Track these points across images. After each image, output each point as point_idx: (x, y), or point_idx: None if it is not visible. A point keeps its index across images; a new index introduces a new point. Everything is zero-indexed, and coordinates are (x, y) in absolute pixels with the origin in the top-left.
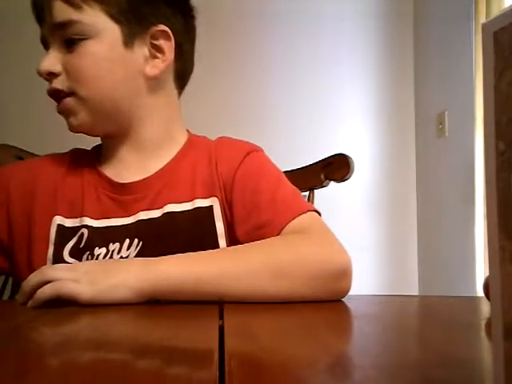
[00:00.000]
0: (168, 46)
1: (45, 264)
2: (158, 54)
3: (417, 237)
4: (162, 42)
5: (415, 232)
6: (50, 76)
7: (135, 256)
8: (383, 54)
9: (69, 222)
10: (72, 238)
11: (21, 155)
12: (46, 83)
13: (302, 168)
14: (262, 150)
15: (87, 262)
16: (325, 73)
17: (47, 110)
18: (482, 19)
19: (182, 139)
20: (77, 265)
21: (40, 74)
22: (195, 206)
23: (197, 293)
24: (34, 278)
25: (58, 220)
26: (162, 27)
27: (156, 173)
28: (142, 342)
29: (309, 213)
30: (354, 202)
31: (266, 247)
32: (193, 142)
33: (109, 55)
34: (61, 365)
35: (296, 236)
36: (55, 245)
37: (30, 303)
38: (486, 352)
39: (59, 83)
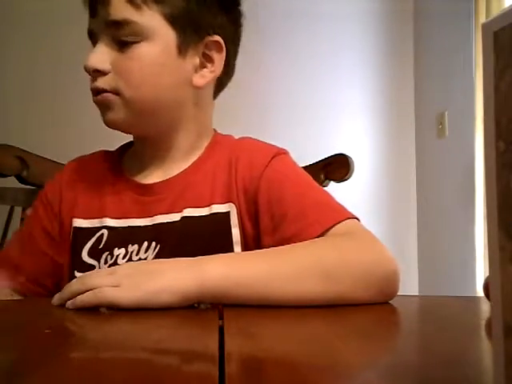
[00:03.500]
0: (218, 57)
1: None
2: (208, 64)
3: (417, 237)
4: (213, 53)
5: (415, 232)
6: (96, 73)
7: (152, 259)
8: (383, 53)
9: (86, 223)
10: (90, 239)
11: (21, 155)
12: (46, 83)
13: (302, 168)
14: (287, 153)
15: (128, 263)
16: (324, 72)
17: (47, 110)
18: (482, 19)
19: (206, 141)
20: (117, 268)
21: (86, 69)
22: (212, 212)
23: (245, 296)
24: (73, 286)
25: (76, 223)
26: (217, 38)
27: (177, 175)
28: (142, 343)
29: (343, 222)
30: (354, 202)
31: (313, 248)
32: (216, 143)
33: (161, 60)
34: (59, 365)
35: (342, 238)
36: (72, 247)
37: (68, 303)
38: (486, 352)
39: (104, 82)
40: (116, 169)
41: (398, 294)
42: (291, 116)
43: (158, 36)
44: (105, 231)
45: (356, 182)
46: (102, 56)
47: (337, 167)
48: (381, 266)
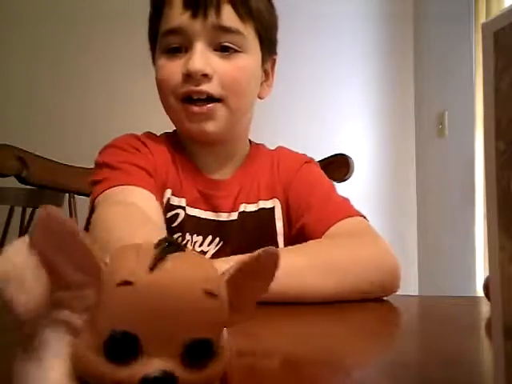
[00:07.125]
0: (273, 73)
1: None
2: (264, 78)
3: (417, 237)
4: (269, 69)
5: (415, 232)
6: (203, 78)
7: (213, 253)
8: (383, 54)
9: (173, 198)
10: (167, 214)
11: (21, 155)
12: (46, 83)
13: None
14: (314, 161)
15: None
16: (325, 73)
17: (47, 110)
18: (482, 19)
19: (247, 147)
20: None
21: (192, 73)
22: (259, 207)
23: None
24: None
25: (168, 194)
26: (275, 57)
27: (233, 176)
28: None
29: (358, 217)
30: (354, 202)
31: (320, 245)
32: (257, 150)
33: (255, 73)
34: None
35: (347, 237)
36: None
37: None
38: (486, 352)
39: (211, 87)
40: (186, 157)
41: (398, 293)
42: (291, 116)
43: (253, 50)
44: (181, 212)
45: (356, 181)
46: (207, 60)
47: (337, 167)
48: (385, 261)
